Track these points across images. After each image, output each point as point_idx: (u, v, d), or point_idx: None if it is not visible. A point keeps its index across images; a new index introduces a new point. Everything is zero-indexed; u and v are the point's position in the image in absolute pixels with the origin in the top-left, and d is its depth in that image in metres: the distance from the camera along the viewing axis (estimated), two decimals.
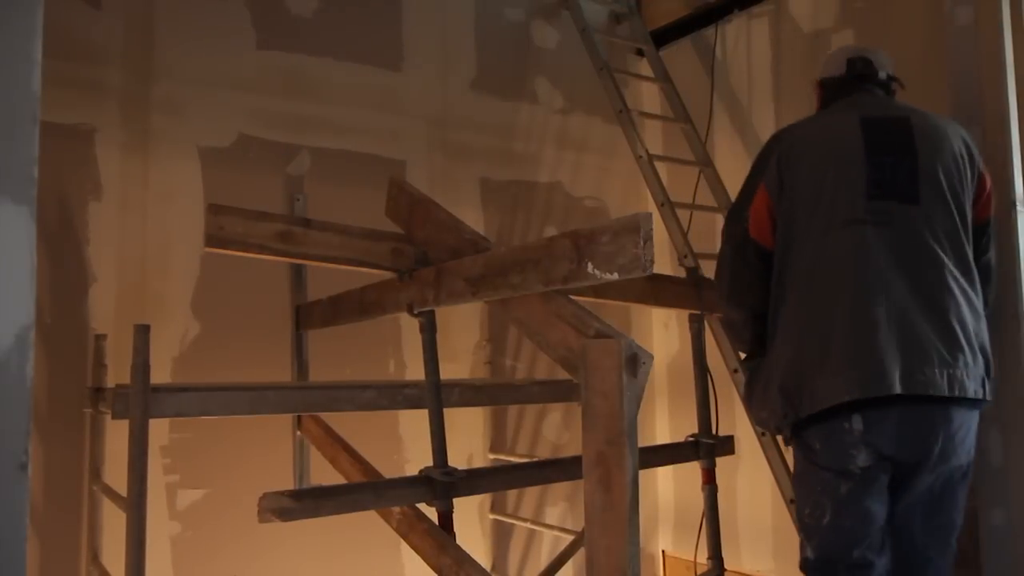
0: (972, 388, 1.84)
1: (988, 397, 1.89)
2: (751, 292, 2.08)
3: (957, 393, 1.81)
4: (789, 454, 2.93)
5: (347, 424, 2.91)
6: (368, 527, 2.74)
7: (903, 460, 1.86)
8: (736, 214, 2.17)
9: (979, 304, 1.94)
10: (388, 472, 2.68)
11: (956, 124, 2.09)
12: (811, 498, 1.95)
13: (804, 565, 2.04)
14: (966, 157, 1.98)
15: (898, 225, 1.87)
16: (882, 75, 2.18)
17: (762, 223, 2.05)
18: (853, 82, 2.15)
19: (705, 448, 2.94)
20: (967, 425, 1.88)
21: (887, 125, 1.96)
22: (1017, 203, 2.23)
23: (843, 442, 1.84)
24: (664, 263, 3.81)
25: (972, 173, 1.99)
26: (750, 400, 2.16)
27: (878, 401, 1.80)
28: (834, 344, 1.84)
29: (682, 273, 3.19)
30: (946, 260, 1.87)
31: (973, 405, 1.88)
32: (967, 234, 1.96)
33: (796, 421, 1.92)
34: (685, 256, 3.27)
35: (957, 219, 1.92)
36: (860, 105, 2.06)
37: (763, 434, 3.03)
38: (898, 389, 1.77)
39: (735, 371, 3.10)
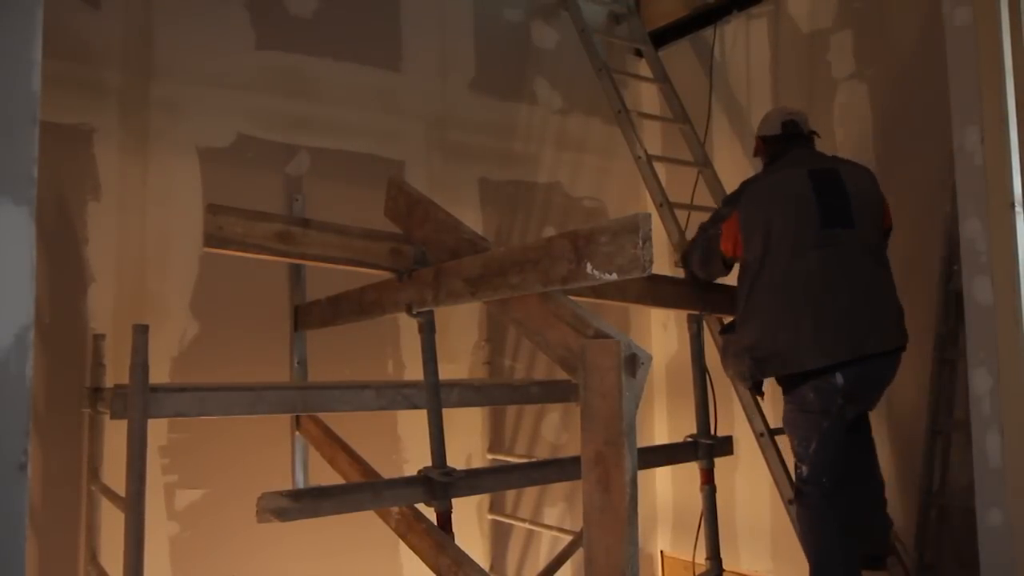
0: (900, 340, 2.70)
1: (907, 341, 2.73)
2: (716, 270, 2.92)
3: (892, 346, 2.68)
4: (786, 453, 2.95)
5: (346, 424, 2.91)
6: (366, 527, 2.75)
7: (862, 395, 2.69)
8: (713, 222, 2.94)
9: (892, 281, 2.78)
10: (387, 472, 2.68)
11: (862, 165, 2.91)
12: (801, 433, 2.69)
13: (799, 479, 2.72)
14: (873, 187, 2.80)
15: (843, 244, 2.67)
16: (805, 131, 2.95)
17: (728, 240, 2.80)
18: (788, 139, 2.90)
19: (704, 448, 2.94)
20: (894, 364, 2.73)
21: (826, 175, 2.74)
22: (1016, 204, 2.23)
23: (829, 392, 2.62)
24: (662, 264, 3.81)
25: (877, 197, 2.79)
26: (725, 361, 2.89)
27: (845, 363, 2.59)
28: (803, 330, 2.62)
29: (680, 274, 3.19)
30: (875, 261, 2.72)
31: (901, 350, 2.72)
32: (882, 238, 2.81)
33: (771, 376, 2.76)
34: None
35: (876, 231, 2.76)
36: (802, 161, 2.82)
37: (762, 435, 3.04)
38: (856, 353, 2.59)
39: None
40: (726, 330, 2.99)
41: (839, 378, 2.60)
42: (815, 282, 2.64)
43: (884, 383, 2.78)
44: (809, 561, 2.69)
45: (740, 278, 2.81)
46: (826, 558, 2.64)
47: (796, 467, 2.73)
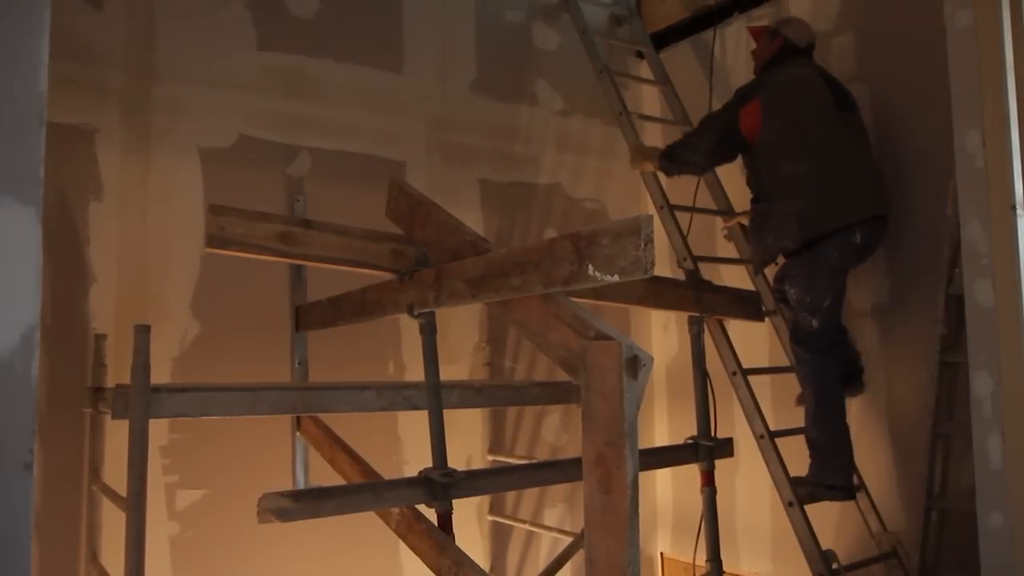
0: (887, 209, 3.08)
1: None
2: (723, 155, 3.26)
3: (888, 211, 3.06)
4: (786, 453, 2.95)
5: (346, 425, 2.91)
6: (367, 527, 2.75)
7: (864, 256, 3.06)
8: (729, 109, 3.21)
9: None
10: (387, 473, 2.69)
11: None
12: (818, 290, 3.01)
13: (811, 333, 3.03)
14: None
15: (851, 122, 3.10)
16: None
17: (749, 123, 3.11)
18: (804, 51, 3.29)
19: (704, 450, 2.94)
20: (884, 231, 3.08)
21: (828, 76, 3.21)
22: (1016, 207, 2.23)
23: (849, 250, 2.98)
24: (663, 265, 3.81)
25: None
26: (761, 231, 3.11)
27: (864, 221, 2.96)
28: (837, 192, 2.97)
29: (681, 275, 3.19)
30: (868, 138, 3.15)
31: (887, 218, 3.09)
32: None
33: (807, 239, 2.97)
34: (684, 259, 3.28)
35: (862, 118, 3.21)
36: (811, 66, 3.25)
37: (762, 437, 3.04)
38: (869, 213, 2.98)
39: (733, 373, 3.11)
40: (756, 200, 3.20)
41: (858, 236, 2.95)
42: (838, 153, 3.01)
43: (875, 248, 3.11)
44: (810, 399, 3.03)
45: (759, 157, 3.13)
46: (826, 395, 3.02)
47: (801, 318, 3.04)
